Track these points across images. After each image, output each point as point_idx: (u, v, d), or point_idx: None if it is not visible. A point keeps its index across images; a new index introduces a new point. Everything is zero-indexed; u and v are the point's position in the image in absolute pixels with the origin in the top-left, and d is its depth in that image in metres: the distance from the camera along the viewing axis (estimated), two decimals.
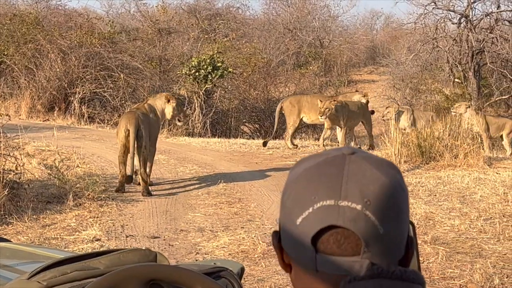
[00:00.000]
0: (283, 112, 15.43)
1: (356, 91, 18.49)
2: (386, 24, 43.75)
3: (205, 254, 7.67)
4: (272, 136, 15.89)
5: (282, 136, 16.01)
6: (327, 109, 13.93)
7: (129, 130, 10.17)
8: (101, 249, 7.45)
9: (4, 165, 9.44)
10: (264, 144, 14.89)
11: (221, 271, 1.99)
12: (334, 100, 14.41)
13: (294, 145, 15.03)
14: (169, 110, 11.01)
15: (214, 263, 2.09)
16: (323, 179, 1.21)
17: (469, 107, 15.90)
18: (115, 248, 7.66)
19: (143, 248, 1.85)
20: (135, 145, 10.18)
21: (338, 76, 33.10)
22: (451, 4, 23.79)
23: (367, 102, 15.85)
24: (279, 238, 1.29)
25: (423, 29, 24.54)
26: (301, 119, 15.29)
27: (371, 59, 37.84)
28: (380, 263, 1.19)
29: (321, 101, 14.35)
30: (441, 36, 23.80)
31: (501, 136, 16.26)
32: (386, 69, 31.43)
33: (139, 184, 10.54)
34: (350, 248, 1.19)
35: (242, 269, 2.20)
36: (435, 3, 23.76)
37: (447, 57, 23.52)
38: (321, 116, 14.08)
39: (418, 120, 15.60)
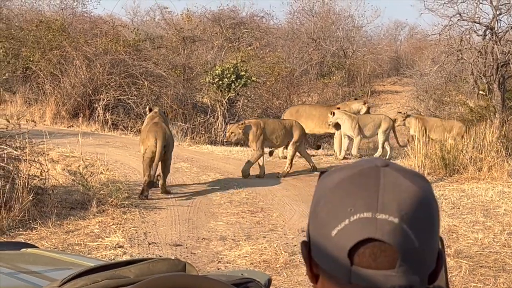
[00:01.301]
0: None
1: (355, 99, 18.35)
2: (410, 35, 43.61)
3: (227, 263, 7.68)
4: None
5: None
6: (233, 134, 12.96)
7: (157, 142, 10.66)
8: (124, 256, 7.49)
9: (29, 171, 9.52)
10: (270, 153, 14.93)
11: (249, 282, 2.00)
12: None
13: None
14: None
15: (242, 274, 2.10)
16: (359, 191, 1.22)
17: (408, 116, 15.73)
18: (139, 256, 7.70)
19: (173, 257, 1.87)
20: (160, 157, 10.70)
21: (361, 87, 33.02)
22: (476, 16, 23.67)
23: (368, 110, 15.89)
24: (309, 249, 1.29)
25: (448, 40, 24.41)
26: None
27: (394, 70, 37.72)
28: (413, 277, 1.20)
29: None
30: (466, 48, 23.67)
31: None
32: (409, 80, 31.32)
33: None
34: (386, 261, 1.19)
35: (269, 281, 2.20)
36: (460, 14, 23.65)
37: (472, 69, 23.39)
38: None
39: (364, 127, 14.99)
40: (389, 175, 1.23)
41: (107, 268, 1.84)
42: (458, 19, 23.84)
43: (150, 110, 11.95)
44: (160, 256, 7.72)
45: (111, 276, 1.79)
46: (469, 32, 23.98)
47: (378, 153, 15.12)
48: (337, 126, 14.94)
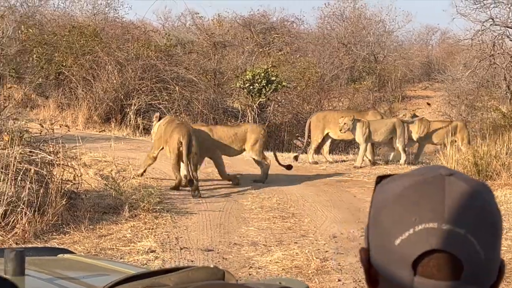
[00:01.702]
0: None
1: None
2: (442, 40, 43.32)
3: (259, 268, 7.68)
4: (301, 150, 15.98)
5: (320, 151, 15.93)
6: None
7: (181, 142, 11.24)
8: (156, 261, 7.52)
9: (62, 175, 9.60)
10: (295, 158, 14.93)
11: None
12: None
13: (314, 161, 14.95)
14: None
15: (280, 283, 2.10)
16: (424, 201, 1.20)
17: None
18: (171, 261, 7.73)
19: (212, 265, 1.88)
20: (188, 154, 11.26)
21: (392, 92, 32.85)
22: (509, 20, 23.49)
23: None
24: (368, 255, 1.28)
25: (480, 45, 24.26)
26: (327, 135, 15.22)
27: (426, 75, 37.48)
28: None
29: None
30: (498, 53, 23.51)
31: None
32: (441, 85, 31.10)
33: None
34: (450, 272, 1.18)
35: None
36: (493, 19, 23.49)
37: (504, 74, 23.22)
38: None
39: (374, 132, 14.58)
40: (454, 185, 1.21)
41: (147, 276, 1.85)
42: (491, 24, 23.69)
43: (160, 118, 12.26)
44: (192, 262, 7.75)
45: (151, 284, 1.80)
46: (501, 37, 23.83)
47: (402, 159, 14.86)
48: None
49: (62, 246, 8.23)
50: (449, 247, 1.17)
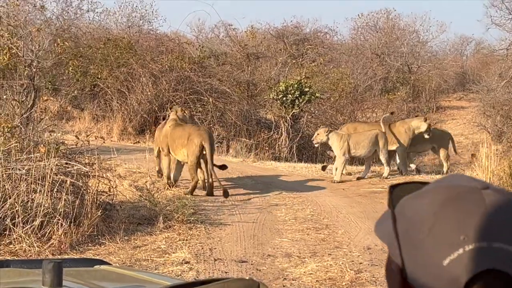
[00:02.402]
0: None
1: (416, 116, 17.66)
2: (476, 50, 43.00)
3: (293, 280, 7.68)
4: (331, 161, 15.90)
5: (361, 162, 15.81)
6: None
7: (203, 146, 11.79)
8: (190, 272, 7.55)
9: (97, 187, 9.70)
10: (323, 168, 14.87)
11: None
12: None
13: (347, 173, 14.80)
14: None
15: None
16: (468, 218, 1.18)
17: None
18: (205, 272, 7.75)
19: (247, 277, 1.89)
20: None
21: (427, 102, 32.66)
22: None
23: (429, 127, 15.34)
24: (404, 275, 1.24)
25: None
26: None
27: (460, 85, 37.22)
28: None
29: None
30: None
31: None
32: (476, 96, 30.84)
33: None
34: None
35: None
36: None
37: None
38: None
39: (356, 145, 14.06)
40: (493, 199, 1.19)
41: None
42: None
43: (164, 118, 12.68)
44: (226, 273, 7.77)
45: None
46: None
47: (386, 173, 14.37)
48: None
49: (97, 257, 8.31)
50: (502, 266, 1.15)
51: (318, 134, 14.16)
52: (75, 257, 7.63)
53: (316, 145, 14.78)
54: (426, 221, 1.21)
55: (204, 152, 11.88)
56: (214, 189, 12.00)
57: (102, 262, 3.31)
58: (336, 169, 14.10)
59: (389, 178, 14.20)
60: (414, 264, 1.22)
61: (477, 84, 30.57)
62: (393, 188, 1.30)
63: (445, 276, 1.17)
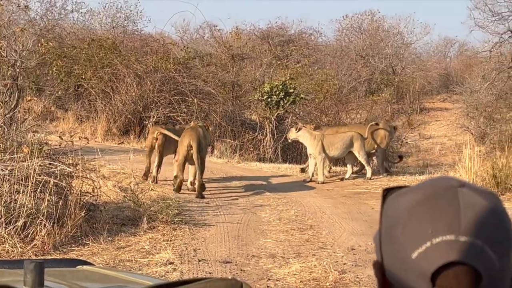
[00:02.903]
0: None
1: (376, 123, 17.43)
2: (460, 52, 43.17)
3: (277, 280, 7.68)
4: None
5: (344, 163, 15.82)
6: None
7: (191, 146, 11.96)
8: (174, 273, 7.54)
9: (81, 187, 9.66)
10: (302, 170, 14.92)
11: None
12: None
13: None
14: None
15: None
16: (439, 213, 1.21)
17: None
18: (189, 273, 7.74)
19: (230, 277, 1.89)
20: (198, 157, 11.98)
21: (410, 104, 32.77)
22: None
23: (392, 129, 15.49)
24: (382, 270, 1.29)
25: (499, 57, 24.18)
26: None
27: (444, 87, 37.37)
28: None
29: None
30: None
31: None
32: (459, 97, 30.99)
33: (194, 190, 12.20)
34: (468, 284, 1.19)
35: None
36: (511, 31, 23.41)
37: None
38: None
39: (330, 146, 13.99)
40: (467, 196, 1.22)
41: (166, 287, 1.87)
42: (509, 36, 23.62)
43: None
44: (210, 274, 7.77)
45: None
46: None
47: (369, 174, 14.31)
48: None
49: (81, 258, 8.28)
50: (467, 259, 1.18)
51: (290, 131, 14.25)
52: (58, 257, 7.60)
53: (289, 140, 14.87)
54: (401, 218, 1.25)
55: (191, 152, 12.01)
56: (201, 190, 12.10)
57: (84, 263, 3.29)
58: (315, 169, 14.11)
59: (373, 178, 14.24)
60: (391, 259, 1.26)
61: (461, 85, 30.71)
62: (386, 191, 1.34)
63: (414, 269, 1.21)
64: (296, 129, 14.15)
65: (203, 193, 12.03)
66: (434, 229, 1.20)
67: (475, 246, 1.18)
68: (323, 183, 13.82)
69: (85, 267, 3.13)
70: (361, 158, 14.18)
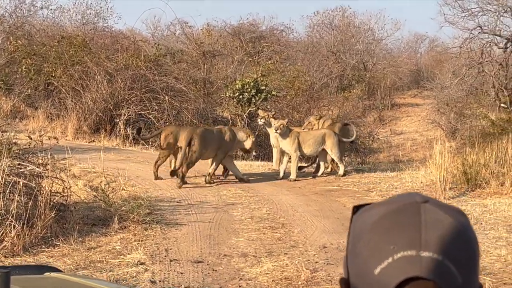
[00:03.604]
0: None
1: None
2: (430, 48, 43.49)
3: (248, 280, 7.68)
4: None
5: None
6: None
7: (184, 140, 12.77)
8: (146, 274, 7.49)
9: (51, 187, 9.57)
10: (300, 168, 14.91)
11: None
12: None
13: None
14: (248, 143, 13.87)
15: None
16: (401, 229, 1.21)
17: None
18: (161, 273, 7.70)
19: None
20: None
21: (382, 100, 32.94)
22: (497, 28, 23.61)
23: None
24: (348, 285, 1.29)
25: (469, 53, 24.36)
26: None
27: (415, 83, 37.60)
28: None
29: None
30: (486, 61, 23.61)
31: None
32: (430, 93, 31.22)
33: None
34: None
35: None
36: (481, 27, 23.61)
37: (493, 82, 23.31)
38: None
39: (303, 144, 13.91)
40: (429, 211, 1.23)
41: None
42: (479, 32, 23.83)
43: None
44: (182, 274, 7.73)
45: None
46: (490, 44, 23.95)
47: (341, 171, 14.21)
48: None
49: (51, 260, 8.21)
50: (428, 274, 1.18)
51: (281, 125, 14.01)
52: (26, 263, 7.52)
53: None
54: (364, 233, 1.25)
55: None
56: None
57: (52, 269, 3.25)
58: (287, 166, 14.13)
59: (345, 176, 14.27)
60: (355, 275, 1.27)
61: (431, 81, 30.94)
62: (356, 208, 1.34)
63: (377, 285, 1.21)
64: (286, 123, 14.13)
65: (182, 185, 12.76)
66: (395, 244, 1.20)
67: (437, 262, 1.18)
68: (295, 180, 13.82)
69: (53, 274, 3.09)
70: (334, 156, 14.18)
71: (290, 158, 14.18)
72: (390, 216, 1.24)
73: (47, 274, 3.11)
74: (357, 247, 1.26)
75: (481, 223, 10.13)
